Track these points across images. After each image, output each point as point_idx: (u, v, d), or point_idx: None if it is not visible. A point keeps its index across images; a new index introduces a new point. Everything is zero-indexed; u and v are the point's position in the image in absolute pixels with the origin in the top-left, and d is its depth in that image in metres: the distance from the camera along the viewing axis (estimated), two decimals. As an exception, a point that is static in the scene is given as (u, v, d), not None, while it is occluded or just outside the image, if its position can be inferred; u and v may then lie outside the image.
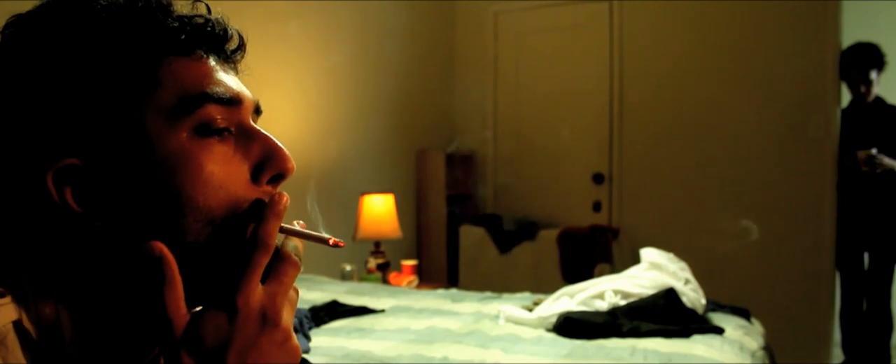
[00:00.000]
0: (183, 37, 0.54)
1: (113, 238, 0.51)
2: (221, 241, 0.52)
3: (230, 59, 0.58)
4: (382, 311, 2.40)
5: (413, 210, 4.21)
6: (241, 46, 0.59)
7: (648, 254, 2.43)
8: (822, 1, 3.50)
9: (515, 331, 2.09)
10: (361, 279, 3.23)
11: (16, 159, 0.51)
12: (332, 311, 2.31)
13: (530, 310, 2.26)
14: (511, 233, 4.04)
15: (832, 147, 3.49)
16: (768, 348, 2.21)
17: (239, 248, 0.51)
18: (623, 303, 2.17)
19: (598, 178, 4.14)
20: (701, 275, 2.40)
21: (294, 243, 0.54)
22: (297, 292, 0.55)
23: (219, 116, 0.53)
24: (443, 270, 4.16)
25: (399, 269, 3.45)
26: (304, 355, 1.75)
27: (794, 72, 3.60)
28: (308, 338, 1.97)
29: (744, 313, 2.35)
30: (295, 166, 0.57)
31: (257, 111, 0.59)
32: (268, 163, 0.55)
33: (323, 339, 2.00)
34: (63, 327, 0.51)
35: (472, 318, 2.27)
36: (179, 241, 0.51)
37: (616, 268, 3.29)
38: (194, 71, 0.54)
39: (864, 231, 3.42)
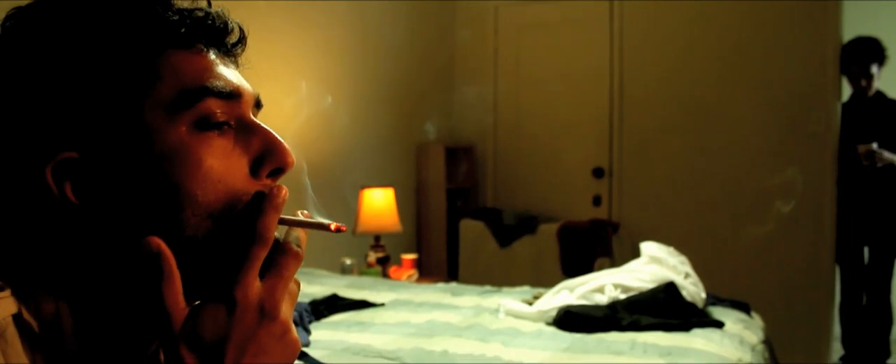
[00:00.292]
0: (183, 30, 0.53)
1: (112, 232, 0.51)
2: (220, 234, 0.52)
3: (230, 52, 0.58)
4: (382, 304, 2.40)
5: (413, 204, 4.21)
6: (242, 40, 0.59)
7: (648, 248, 2.43)
8: (824, -5, 3.50)
9: (515, 324, 2.09)
10: (361, 273, 3.23)
11: (15, 153, 0.51)
12: (332, 305, 2.31)
13: (530, 303, 2.27)
14: (511, 227, 4.04)
15: (832, 141, 3.49)
16: (768, 342, 2.21)
17: (238, 241, 0.51)
18: (623, 297, 2.18)
19: (598, 173, 4.14)
20: (701, 269, 2.40)
21: (296, 234, 0.54)
22: (298, 285, 0.55)
23: (219, 110, 0.53)
24: (443, 264, 4.16)
25: (399, 262, 3.45)
26: (305, 349, 1.77)
27: (795, 66, 3.59)
28: (308, 331, 1.98)
29: (744, 307, 2.35)
30: (295, 160, 0.56)
31: (258, 105, 0.59)
32: (267, 157, 0.55)
33: (323, 333, 2.00)
34: (63, 321, 0.51)
35: (472, 311, 2.28)
36: (178, 235, 0.51)
37: (616, 262, 3.29)
38: (194, 64, 0.53)
39: (865, 225, 3.42)
